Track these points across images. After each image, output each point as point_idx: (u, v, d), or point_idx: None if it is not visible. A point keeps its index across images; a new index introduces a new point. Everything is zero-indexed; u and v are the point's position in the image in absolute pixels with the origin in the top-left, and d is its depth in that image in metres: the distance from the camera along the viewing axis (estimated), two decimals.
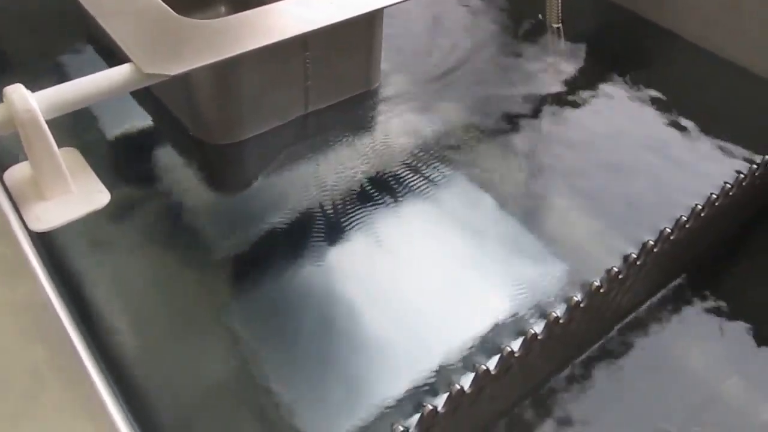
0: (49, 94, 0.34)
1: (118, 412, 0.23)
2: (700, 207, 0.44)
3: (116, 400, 0.24)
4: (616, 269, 0.40)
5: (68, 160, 0.36)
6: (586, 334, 0.43)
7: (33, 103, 0.33)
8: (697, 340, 0.54)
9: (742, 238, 0.60)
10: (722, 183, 0.46)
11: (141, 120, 0.49)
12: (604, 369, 0.47)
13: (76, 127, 0.48)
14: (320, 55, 0.45)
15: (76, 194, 0.35)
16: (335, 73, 0.48)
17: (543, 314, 0.38)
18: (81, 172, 0.37)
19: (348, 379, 0.36)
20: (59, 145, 0.34)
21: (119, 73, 0.35)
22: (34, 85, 0.34)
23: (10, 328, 0.25)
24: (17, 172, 0.36)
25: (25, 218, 0.34)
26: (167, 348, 0.38)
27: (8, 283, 0.27)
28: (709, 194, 0.45)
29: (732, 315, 0.54)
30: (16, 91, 0.33)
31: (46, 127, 0.33)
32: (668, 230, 0.42)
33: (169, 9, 0.40)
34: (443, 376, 0.35)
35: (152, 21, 0.38)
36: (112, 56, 0.53)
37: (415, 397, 0.35)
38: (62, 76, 0.53)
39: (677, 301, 0.55)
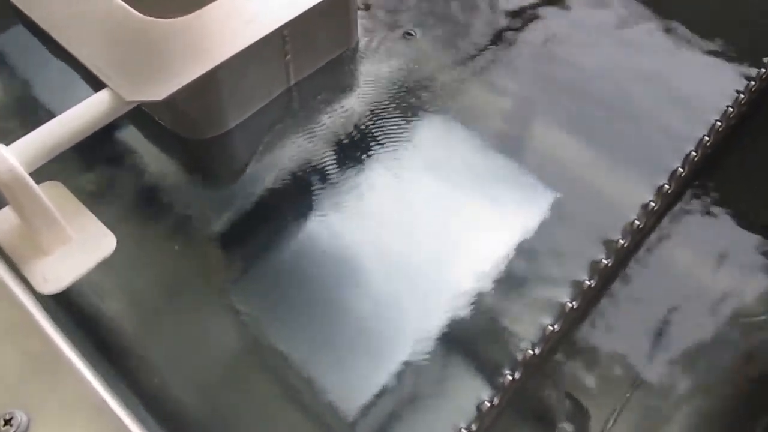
0: (27, 144, 0.30)
1: None
2: (707, 138, 0.44)
3: None
4: (653, 203, 0.40)
5: (56, 198, 0.33)
6: None
7: (13, 160, 0.29)
8: (694, 241, 0.55)
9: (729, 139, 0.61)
10: (724, 107, 0.46)
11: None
12: (619, 286, 0.48)
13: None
14: (298, 30, 0.41)
15: (78, 242, 0.32)
16: (314, 41, 0.44)
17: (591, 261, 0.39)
18: (75, 214, 0.33)
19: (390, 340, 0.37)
20: None
21: (97, 103, 0.31)
22: None
23: None
24: (2, 223, 0.33)
25: (30, 280, 0.31)
26: (174, 334, 0.37)
27: (50, 382, 0.25)
28: (713, 121, 0.45)
29: (724, 216, 0.56)
30: None
31: (33, 183, 0.30)
32: (680, 170, 0.42)
33: (129, 7, 0.35)
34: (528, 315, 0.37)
35: (116, 27, 0.34)
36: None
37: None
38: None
39: (677, 212, 0.56)
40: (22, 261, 0.31)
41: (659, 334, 0.43)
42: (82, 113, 0.31)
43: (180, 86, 0.31)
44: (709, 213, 0.48)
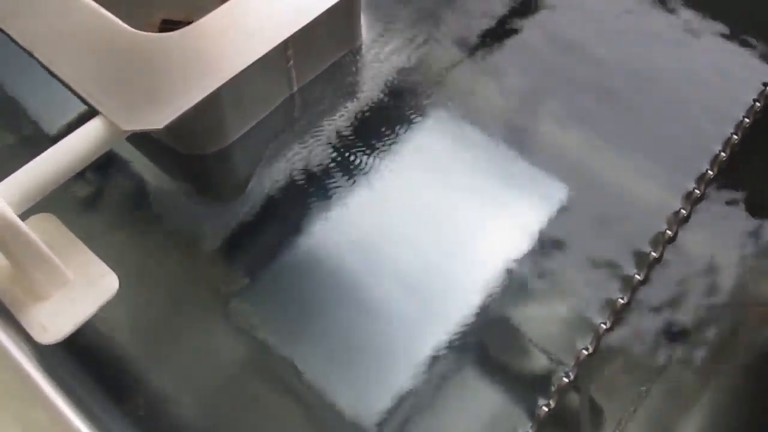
0: (14, 183, 0.27)
1: None
2: (735, 137, 0.42)
3: None
4: (683, 211, 0.39)
5: (49, 234, 0.30)
6: None
7: (0, 202, 0.26)
8: (716, 238, 0.53)
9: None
10: (750, 101, 0.43)
11: None
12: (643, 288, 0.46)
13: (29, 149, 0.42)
14: (300, 36, 0.38)
15: (77, 283, 0.30)
16: (318, 44, 0.41)
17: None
18: (72, 251, 0.31)
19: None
20: None
21: (90, 133, 0.28)
22: None
23: None
24: None
25: (28, 330, 0.28)
26: (182, 361, 0.36)
27: None
28: (740, 118, 0.43)
29: (747, 211, 0.54)
30: None
31: (24, 225, 0.27)
32: (709, 172, 0.40)
33: (117, 20, 0.32)
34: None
35: (107, 45, 0.31)
36: None
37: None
38: None
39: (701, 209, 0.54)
40: (17, 309, 0.29)
41: (682, 333, 0.41)
42: (73, 146, 0.28)
43: (182, 111, 0.29)
44: (732, 209, 0.46)
